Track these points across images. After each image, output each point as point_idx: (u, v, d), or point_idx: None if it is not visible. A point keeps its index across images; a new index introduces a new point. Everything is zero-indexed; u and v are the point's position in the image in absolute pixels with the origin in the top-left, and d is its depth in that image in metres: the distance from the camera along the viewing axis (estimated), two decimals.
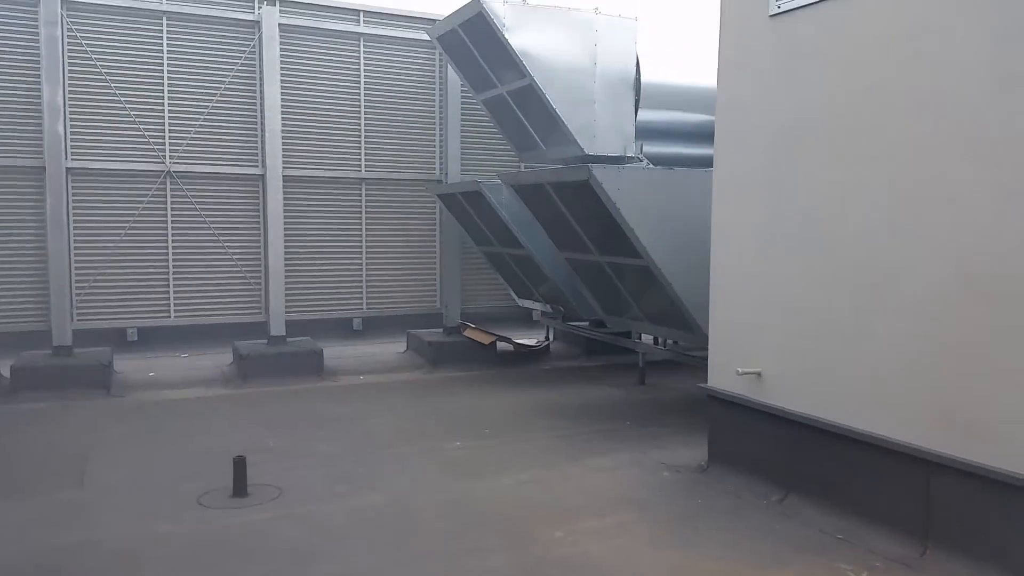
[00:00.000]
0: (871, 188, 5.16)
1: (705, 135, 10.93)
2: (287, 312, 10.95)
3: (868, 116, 5.18)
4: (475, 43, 10.01)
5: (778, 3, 5.93)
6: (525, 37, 9.36)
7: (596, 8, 9.79)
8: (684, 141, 10.61)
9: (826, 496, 5.57)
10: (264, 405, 9.06)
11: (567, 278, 9.83)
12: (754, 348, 6.17)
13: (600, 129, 9.76)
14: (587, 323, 11.46)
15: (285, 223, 10.89)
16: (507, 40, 9.24)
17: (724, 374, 6.47)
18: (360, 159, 11.66)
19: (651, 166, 8.15)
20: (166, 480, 6.38)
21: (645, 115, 10.08)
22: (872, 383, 5.17)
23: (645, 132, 10.07)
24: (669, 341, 9.42)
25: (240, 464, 6.03)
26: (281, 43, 10.78)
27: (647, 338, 9.90)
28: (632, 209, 7.27)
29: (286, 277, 10.95)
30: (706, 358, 9.24)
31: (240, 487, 5.99)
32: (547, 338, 12.47)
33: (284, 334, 10.78)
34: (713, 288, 6.62)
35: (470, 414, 8.61)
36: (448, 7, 10.20)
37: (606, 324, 9.90)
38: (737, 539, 5.27)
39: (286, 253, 10.92)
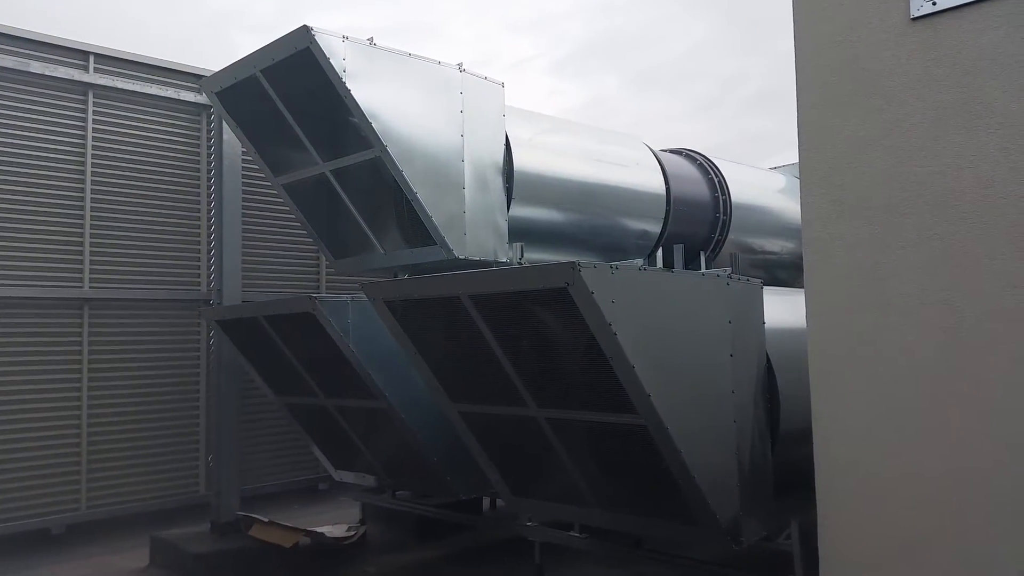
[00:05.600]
0: None
1: (578, 240, 8.77)
2: None
3: None
4: (287, 99, 6.82)
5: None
6: (373, 91, 6.41)
7: (460, 64, 7.16)
8: (556, 246, 8.21)
9: None
10: None
11: (437, 439, 6.66)
12: None
13: (472, 225, 6.98)
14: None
15: None
16: (349, 92, 6.22)
17: None
18: (83, 270, 7.59)
19: (646, 267, 5.43)
20: None
21: (516, 211, 7.53)
22: None
23: (514, 234, 7.53)
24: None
25: None
26: None
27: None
28: (630, 333, 4.49)
29: None
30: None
31: None
32: (361, 522, 8.89)
33: None
34: (823, 490, 3.97)
35: None
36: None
37: (518, 509, 6.75)
38: None
39: None
